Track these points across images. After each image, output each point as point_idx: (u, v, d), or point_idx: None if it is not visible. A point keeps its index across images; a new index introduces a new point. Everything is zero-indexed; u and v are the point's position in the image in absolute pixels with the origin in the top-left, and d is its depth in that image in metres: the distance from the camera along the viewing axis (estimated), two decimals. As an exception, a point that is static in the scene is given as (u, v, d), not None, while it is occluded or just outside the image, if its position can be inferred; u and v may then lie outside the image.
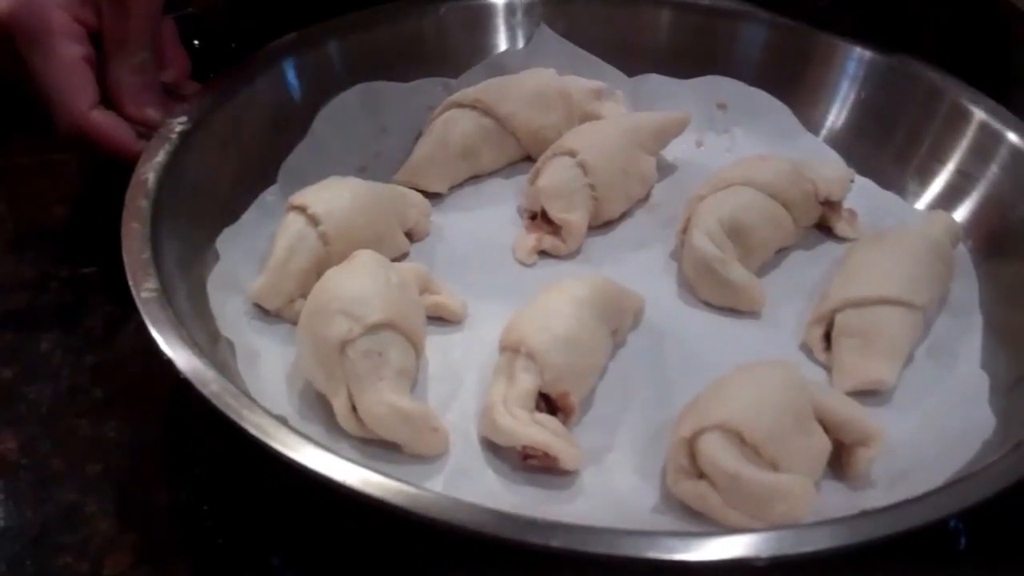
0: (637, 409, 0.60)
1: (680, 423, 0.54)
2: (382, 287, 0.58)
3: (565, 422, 0.57)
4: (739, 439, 0.52)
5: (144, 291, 0.56)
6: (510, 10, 0.84)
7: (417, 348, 0.59)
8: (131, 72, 0.67)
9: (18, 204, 0.76)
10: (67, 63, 0.65)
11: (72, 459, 0.57)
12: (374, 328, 0.56)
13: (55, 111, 0.66)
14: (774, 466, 0.52)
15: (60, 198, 0.76)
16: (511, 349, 0.58)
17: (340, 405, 0.55)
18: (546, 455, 0.54)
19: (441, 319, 0.64)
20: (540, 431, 0.55)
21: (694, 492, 0.53)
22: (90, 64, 0.67)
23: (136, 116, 0.67)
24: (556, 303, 0.60)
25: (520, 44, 0.84)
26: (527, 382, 0.56)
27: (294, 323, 0.61)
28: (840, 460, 0.56)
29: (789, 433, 0.53)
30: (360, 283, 0.58)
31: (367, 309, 0.56)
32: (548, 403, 0.57)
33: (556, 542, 0.45)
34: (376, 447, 0.56)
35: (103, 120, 0.66)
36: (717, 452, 0.52)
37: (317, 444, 0.49)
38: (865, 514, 0.49)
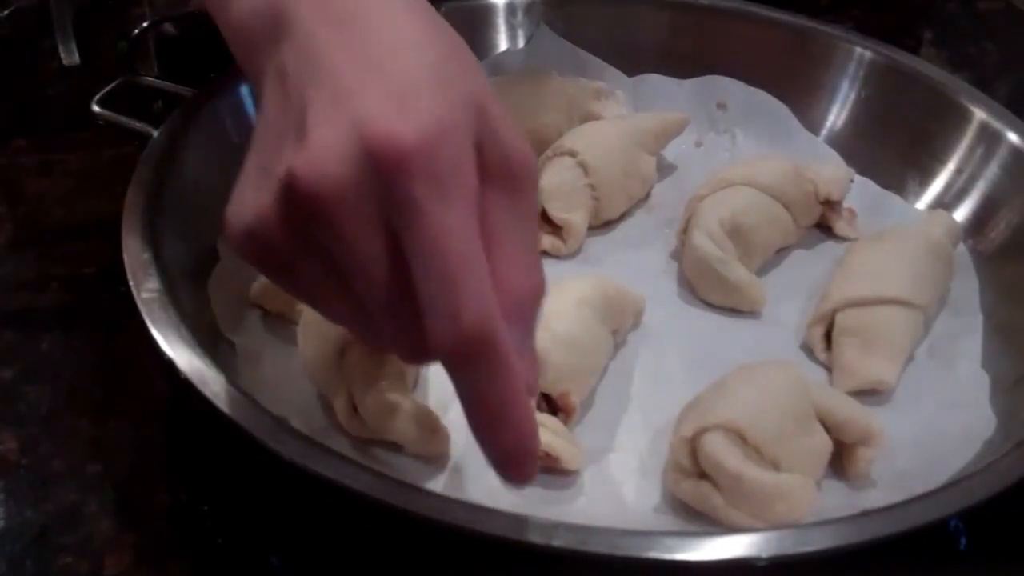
0: (637, 409, 0.60)
1: (681, 423, 0.54)
2: None
3: (566, 422, 0.57)
4: (741, 439, 0.52)
5: (144, 291, 0.56)
6: (510, 10, 0.84)
7: None
8: None
9: (18, 204, 0.76)
10: (472, 226, 0.39)
11: (72, 459, 0.57)
12: None
13: (440, 308, 0.38)
14: (775, 466, 0.52)
15: (60, 198, 0.76)
16: (511, 349, 0.58)
17: (341, 405, 0.55)
18: (547, 455, 0.54)
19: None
20: (542, 431, 0.54)
21: (695, 492, 0.53)
22: None
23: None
24: (557, 303, 0.60)
25: (520, 44, 0.84)
26: (528, 382, 0.56)
27: (295, 323, 0.61)
28: (841, 460, 0.55)
29: (791, 433, 0.53)
30: None
31: None
32: (549, 403, 0.57)
33: (557, 542, 0.45)
34: (377, 447, 0.56)
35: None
36: (719, 452, 0.51)
37: (317, 444, 0.49)
38: (866, 514, 0.48)
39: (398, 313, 0.40)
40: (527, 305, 0.42)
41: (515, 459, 0.41)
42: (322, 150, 0.38)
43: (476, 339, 0.38)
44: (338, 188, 0.38)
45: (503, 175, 0.41)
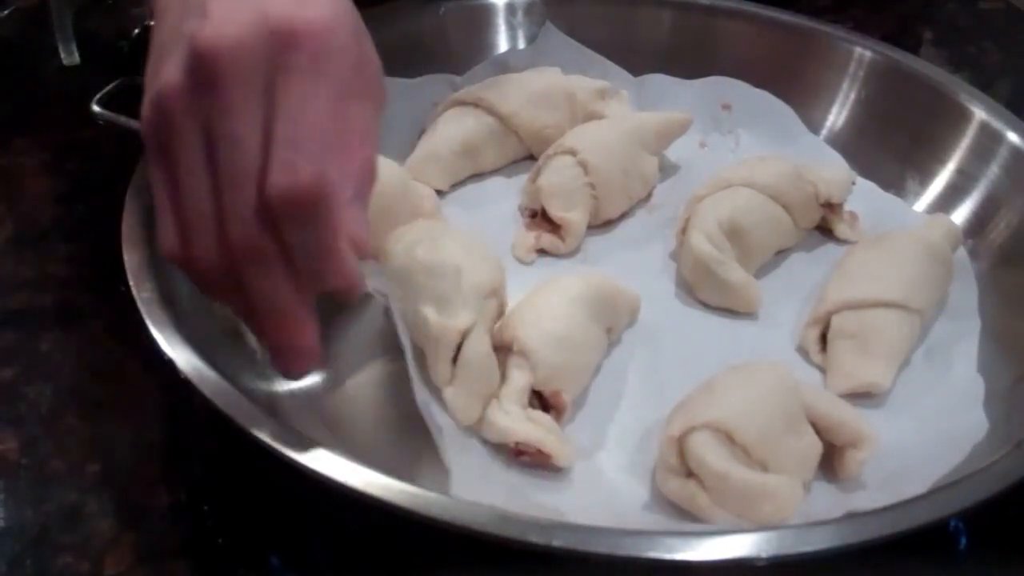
0: (630, 408, 0.60)
1: (670, 422, 0.54)
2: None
3: (557, 420, 0.57)
4: (729, 439, 0.52)
5: (144, 291, 0.56)
6: (510, 10, 0.84)
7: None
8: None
9: (18, 204, 0.76)
10: (333, 106, 0.47)
11: (72, 459, 0.57)
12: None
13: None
14: (764, 467, 0.52)
15: (60, 198, 0.76)
16: (504, 348, 0.58)
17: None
18: (539, 452, 0.54)
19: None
20: (534, 428, 0.55)
21: (682, 491, 0.53)
22: None
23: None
24: (550, 301, 0.60)
25: (520, 44, 0.84)
26: (520, 379, 0.56)
27: None
28: (831, 462, 0.55)
29: (780, 434, 0.53)
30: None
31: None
32: (540, 400, 0.57)
33: (557, 542, 0.45)
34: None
35: None
36: (706, 451, 0.51)
37: (318, 445, 0.49)
38: (866, 514, 0.48)
39: (242, 184, 0.45)
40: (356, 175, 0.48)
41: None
42: (222, 21, 0.44)
43: (310, 194, 0.45)
44: (233, 46, 0.44)
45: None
